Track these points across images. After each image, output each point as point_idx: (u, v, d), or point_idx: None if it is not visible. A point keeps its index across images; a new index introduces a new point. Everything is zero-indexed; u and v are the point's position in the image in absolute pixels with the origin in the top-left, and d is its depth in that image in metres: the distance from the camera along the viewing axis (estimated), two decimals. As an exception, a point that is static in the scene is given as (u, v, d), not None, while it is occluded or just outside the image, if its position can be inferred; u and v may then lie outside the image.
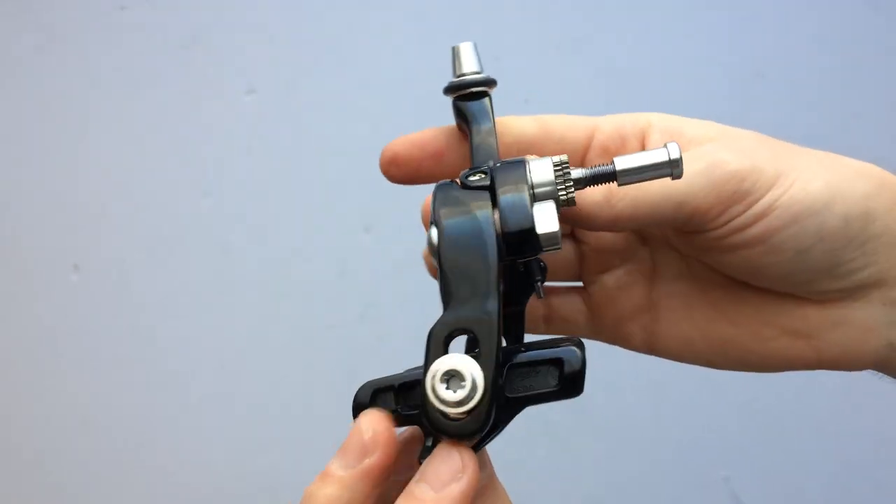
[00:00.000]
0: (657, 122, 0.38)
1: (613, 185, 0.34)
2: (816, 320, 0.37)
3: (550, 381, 0.32)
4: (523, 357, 0.33)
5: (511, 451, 0.86)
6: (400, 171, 0.38)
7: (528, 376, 0.32)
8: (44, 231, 0.94)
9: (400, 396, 0.33)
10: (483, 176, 0.33)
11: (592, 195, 0.35)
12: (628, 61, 0.91)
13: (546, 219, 0.32)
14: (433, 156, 0.38)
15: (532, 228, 0.32)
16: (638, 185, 0.34)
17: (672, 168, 0.33)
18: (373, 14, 0.94)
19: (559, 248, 0.32)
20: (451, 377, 0.29)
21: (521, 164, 0.33)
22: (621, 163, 0.34)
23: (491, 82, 0.37)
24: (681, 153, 0.33)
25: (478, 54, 0.37)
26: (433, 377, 0.29)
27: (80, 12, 0.94)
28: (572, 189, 0.33)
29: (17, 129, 0.95)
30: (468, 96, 0.37)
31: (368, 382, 0.34)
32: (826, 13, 0.92)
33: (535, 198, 0.33)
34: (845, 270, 0.35)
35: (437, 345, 0.30)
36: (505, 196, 0.32)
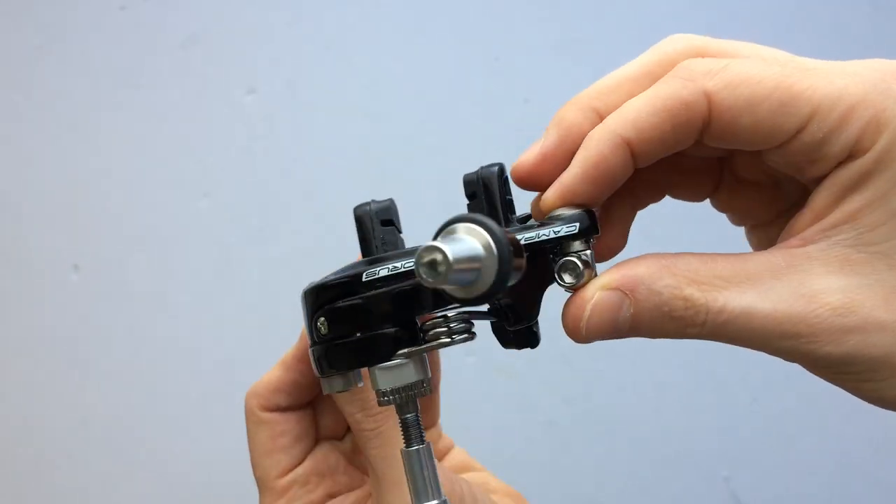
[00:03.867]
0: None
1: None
2: None
3: None
4: None
5: (512, 451, 0.86)
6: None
7: None
8: (44, 231, 0.94)
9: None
10: None
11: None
12: (628, 61, 0.91)
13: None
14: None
15: None
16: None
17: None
18: (373, 14, 0.94)
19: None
20: None
21: None
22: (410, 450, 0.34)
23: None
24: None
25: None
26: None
27: (80, 12, 0.94)
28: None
29: (17, 129, 0.95)
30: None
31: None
32: (827, 12, 0.92)
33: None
34: None
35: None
36: None
